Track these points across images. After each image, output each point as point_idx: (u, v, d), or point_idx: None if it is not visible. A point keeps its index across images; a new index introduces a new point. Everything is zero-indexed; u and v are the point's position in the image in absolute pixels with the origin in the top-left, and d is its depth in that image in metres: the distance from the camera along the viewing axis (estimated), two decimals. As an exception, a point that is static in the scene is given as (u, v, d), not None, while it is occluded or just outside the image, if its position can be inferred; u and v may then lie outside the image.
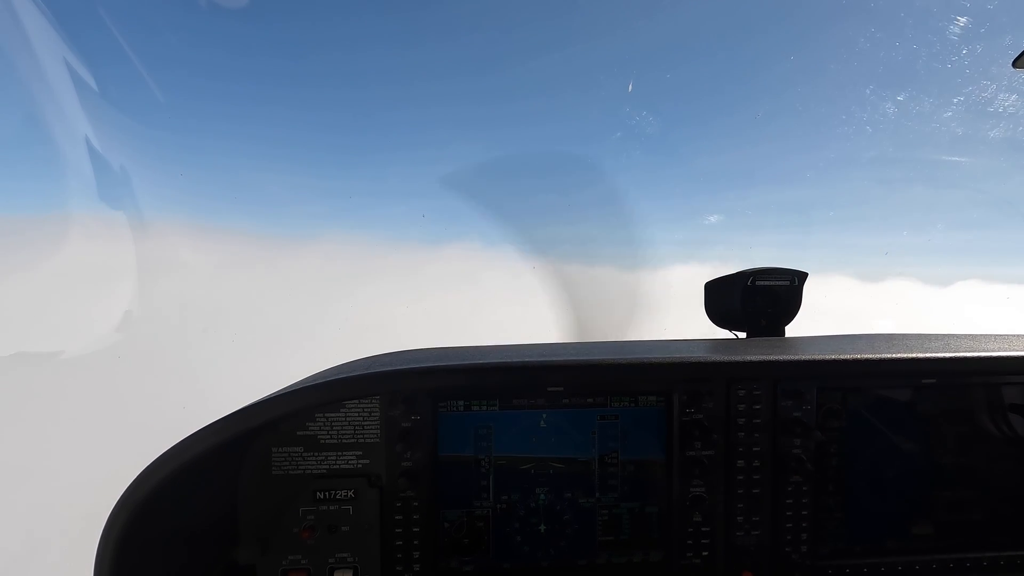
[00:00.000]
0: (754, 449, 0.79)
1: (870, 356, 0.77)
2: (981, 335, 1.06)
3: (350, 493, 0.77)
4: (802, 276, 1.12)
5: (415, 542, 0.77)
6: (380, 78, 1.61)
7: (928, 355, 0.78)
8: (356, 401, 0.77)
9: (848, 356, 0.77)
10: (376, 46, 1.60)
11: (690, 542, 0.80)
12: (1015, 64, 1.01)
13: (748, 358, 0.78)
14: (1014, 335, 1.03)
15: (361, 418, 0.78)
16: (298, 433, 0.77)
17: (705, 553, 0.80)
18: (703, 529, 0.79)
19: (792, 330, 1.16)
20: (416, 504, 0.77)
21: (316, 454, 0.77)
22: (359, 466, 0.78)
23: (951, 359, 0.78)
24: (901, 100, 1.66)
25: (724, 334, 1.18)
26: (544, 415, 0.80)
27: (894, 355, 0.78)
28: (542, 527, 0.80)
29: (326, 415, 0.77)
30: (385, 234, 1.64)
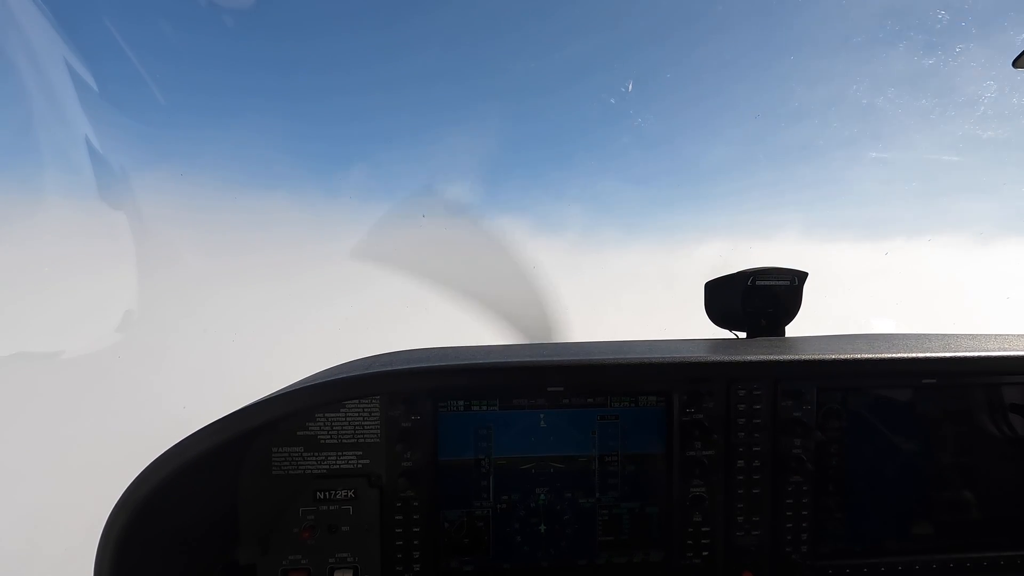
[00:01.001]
0: (754, 449, 0.79)
1: (870, 356, 0.77)
2: (981, 335, 1.06)
3: (350, 493, 0.77)
4: (802, 276, 1.12)
5: (415, 542, 0.77)
6: (378, 86, 1.61)
7: (928, 355, 0.78)
8: (356, 401, 0.77)
9: (848, 356, 0.77)
10: (372, 53, 1.60)
11: (690, 542, 0.80)
12: (1015, 64, 1.01)
13: (748, 358, 0.78)
14: (1014, 335, 1.03)
15: (361, 418, 0.78)
16: (298, 433, 0.77)
17: (705, 553, 0.80)
18: (703, 529, 0.79)
19: (792, 330, 1.16)
20: (416, 504, 0.77)
21: (316, 454, 0.77)
22: (359, 466, 0.78)
23: (951, 359, 0.78)
24: (896, 99, 1.66)
25: (724, 334, 1.18)
26: (544, 415, 0.80)
27: (894, 355, 0.78)
28: (542, 527, 0.80)
29: (326, 415, 0.77)
30: (385, 235, 1.64)
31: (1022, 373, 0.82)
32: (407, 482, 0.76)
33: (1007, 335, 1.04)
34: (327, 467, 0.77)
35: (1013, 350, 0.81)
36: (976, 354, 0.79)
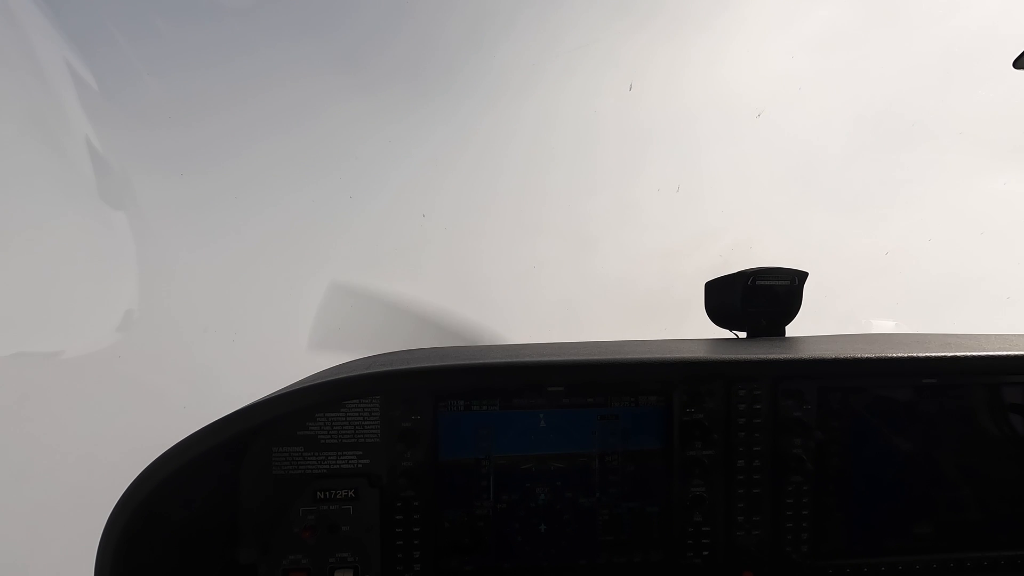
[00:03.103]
0: (754, 449, 0.79)
1: (870, 356, 0.77)
2: (981, 335, 1.06)
3: (350, 493, 0.77)
4: (802, 276, 1.13)
5: (415, 542, 0.77)
6: (379, 86, 1.61)
7: (928, 355, 0.78)
8: (356, 401, 0.77)
9: (848, 356, 0.78)
10: (372, 49, 1.60)
11: (690, 542, 0.80)
12: (1015, 64, 1.01)
13: (748, 358, 0.78)
14: (1014, 335, 1.03)
15: (361, 418, 0.78)
16: (298, 433, 0.77)
17: (705, 553, 0.80)
18: (703, 529, 0.79)
19: (792, 330, 1.16)
20: (416, 504, 0.77)
21: (316, 454, 0.77)
22: (359, 466, 0.78)
23: (951, 359, 0.78)
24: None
25: (724, 334, 1.18)
26: (544, 415, 0.80)
27: (894, 355, 0.78)
28: (542, 527, 0.80)
29: (326, 415, 0.77)
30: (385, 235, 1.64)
31: (1022, 373, 0.82)
32: (407, 482, 0.76)
33: (1007, 335, 1.04)
34: (327, 467, 0.77)
35: (1013, 350, 0.81)
36: (976, 354, 0.79)
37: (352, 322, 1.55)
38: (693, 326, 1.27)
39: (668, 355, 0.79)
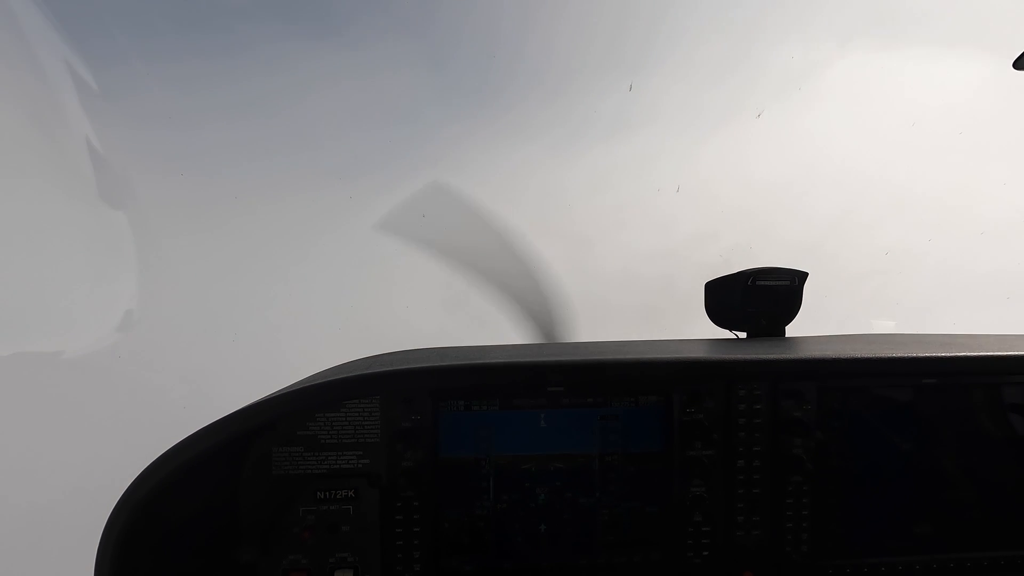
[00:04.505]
0: (754, 449, 0.79)
1: (870, 356, 0.77)
2: (981, 335, 1.06)
3: (350, 493, 0.77)
4: (802, 276, 1.13)
5: (415, 542, 0.77)
6: (382, 81, 1.61)
7: (928, 355, 0.78)
8: (356, 401, 0.77)
9: (848, 356, 0.78)
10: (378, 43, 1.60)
11: (690, 542, 0.80)
12: (1015, 65, 1.01)
13: (748, 357, 0.78)
14: (1014, 335, 1.03)
15: (361, 418, 0.78)
16: (298, 433, 0.77)
17: (705, 553, 0.80)
18: (703, 529, 0.79)
19: (792, 330, 1.16)
20: (416, 504, 0.77)
21: (316, 454, 0.77)
22: (359, 466, 0.78)
23: (951, 359, 0.78)
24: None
25: (724, 334, 1.18)
26: (544, 415, 0.80)
27: (894, 355, 0.78)
28: (542, 527, 0.80)
29: (326, 415, 0.77)
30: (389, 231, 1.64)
31: (1022, 373, 0.82)
32: (407, 482, 0.76)
33: (1007, 335, 1.04)
34: (327, 467, 0.77)
35: (1013, 350, 0.81)
36: (976, 354, 0.79)
37: (352, 323, 1.55)
38: (693, 326, 1.27)
39: (668, 355, 0.79)
